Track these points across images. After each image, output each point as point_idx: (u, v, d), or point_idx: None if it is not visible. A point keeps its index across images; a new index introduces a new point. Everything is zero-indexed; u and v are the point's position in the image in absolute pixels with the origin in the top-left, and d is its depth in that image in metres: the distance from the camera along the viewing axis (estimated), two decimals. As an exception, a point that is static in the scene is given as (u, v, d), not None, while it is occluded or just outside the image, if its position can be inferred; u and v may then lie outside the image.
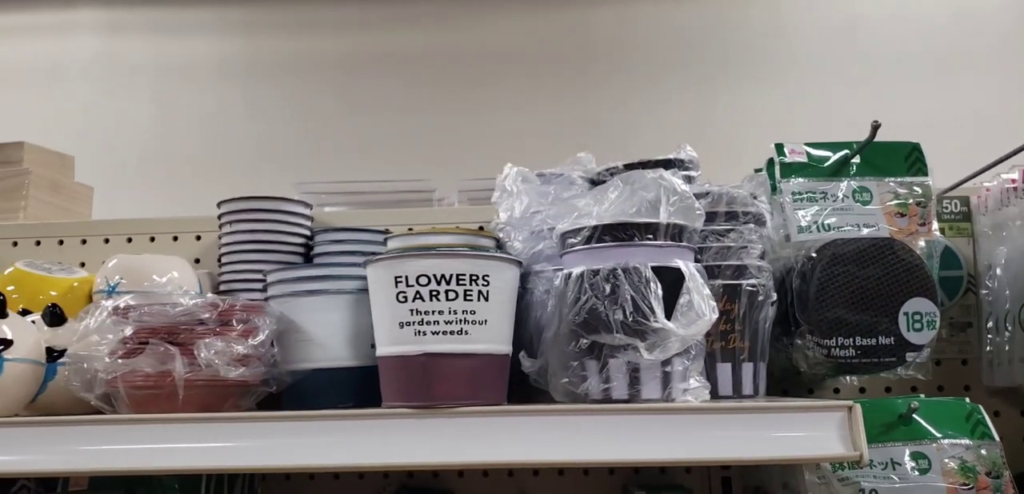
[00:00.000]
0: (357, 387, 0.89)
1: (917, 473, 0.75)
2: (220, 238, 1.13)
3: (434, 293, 0.66)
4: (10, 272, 0.99)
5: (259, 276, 1.10)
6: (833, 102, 2.35)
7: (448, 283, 0.66)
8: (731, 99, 2.41)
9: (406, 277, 0.67)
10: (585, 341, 0.68)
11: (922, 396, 0.84)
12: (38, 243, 1.24)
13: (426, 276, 0.67)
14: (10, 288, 0.97)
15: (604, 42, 2.48)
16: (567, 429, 0.63)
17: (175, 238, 1.24)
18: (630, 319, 0.65)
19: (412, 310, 0.67)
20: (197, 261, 1.23)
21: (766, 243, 0.85)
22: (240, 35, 2.55)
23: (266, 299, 0.92)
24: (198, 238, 1.24)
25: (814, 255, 0.84)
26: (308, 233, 1.15)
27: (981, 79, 2.34)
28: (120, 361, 0.73)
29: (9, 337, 0.74)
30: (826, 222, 0.86)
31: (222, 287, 1.10)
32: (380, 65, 2.49)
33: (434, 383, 0.66)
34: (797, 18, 2.48)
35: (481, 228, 1.23)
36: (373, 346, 0.90)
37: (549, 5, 2.51)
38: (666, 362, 0.67)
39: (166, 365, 0.73)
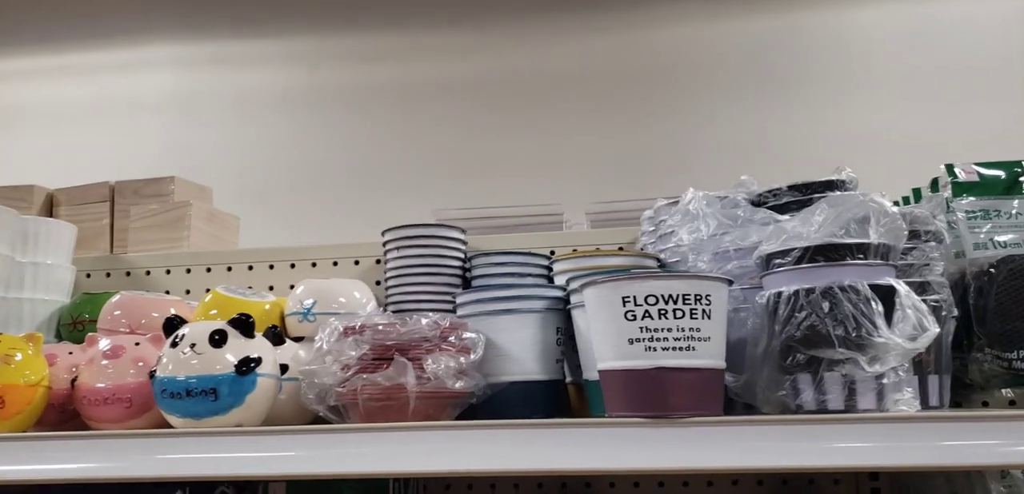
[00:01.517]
0: (545, 399, 0.95)
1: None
2: (385, 262, 1.21)
3: (662, 312, 0.72)
4: (210, 298, 1.08)
5: (424, 296, 1.17)
6: (899, 113, 2.35)
7: (675, 302, 0.72)
8: (793, 114, 2.42)
9: (634, 297, 0.73)
10: (801, 356, 0.73)
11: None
12: (209, 270, 1.34)
13: (654, 296, 0.72)
14: (213, 312, 1.06)
15: (664, 62, 2.52)
16: (795, 437, 0.68)
17: (335, 263, 1.32)
18: (852, 334, 0.70)
19: (642, 327, 0.72)
20: (355, 284, 1.31)
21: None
22: (303, 66, 2.66)
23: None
24: (356, 262, 1.32)
25: (992, 269, 0.87)
26: (463, 256, 1.22)
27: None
28: (363, 375, 0.80)
29: (259, 356, 0.81)
30: (1000, 239, 0.90)
31: (390, 307, 1.17)
32: (441, 92, 2.58)
33: (667, 395, 0.71)
34: (859, 31, 2.48)
35: (620, 249, 1.29)
36: (558, 361, 0.97)
37: (604, 28, 2.56)
38: (880, 375, 0.71)
39: (402, 378, 0.79)
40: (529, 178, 2.45)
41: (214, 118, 2.65)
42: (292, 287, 1.31)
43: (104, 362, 0.89)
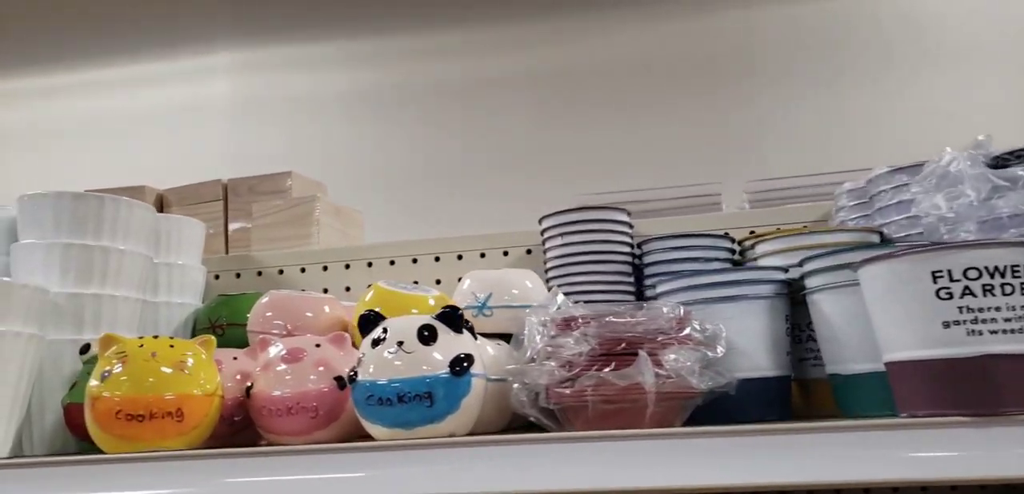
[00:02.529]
0: (777, 397, 0.83)
1: None
2: (545, 250, 1.10)
3: (987, 287, 0.59)
4: (372, 294, 0.98)
5: (593, 285, 1.06)
6: (977, 90, 2.18)
7: (1002, 275, 0.59)
8: (869, 94, 2.27)
9: (950, 271, 0.60)
10: None
11: None
12: (347, 266, 1.24)
13: (977, 269, 0.59)
14: (377, 309, 0.95)
15: (731, 46, 2.38)
16: None
17: (482, 255, 1.22)
18: None
19: (961, 308, 0.59)
20: (504, 276, 1.20)
21: None
22: (369, 66, 2.57)
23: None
24: (505, 253, 1.22)
25: None
26: (630, 241, 1.11)
27: None
28: (591, 374, 0.69)
29: (469, 353, 0.70)
30: None
31: (554, 300, 1.06)
32: (508, 86, 2.46)
33: (999, 389, 0.58)
34: (933, 6, 2.31)
35: (805, 227, 1.16)
36: (788, 353, 0.85)
37: (672, 15, 2.43)
38: None
39: (640, 376, 0.68)
40: (601, 169, 2.33)
41: (281, 120, 2.58)
42: (438, 281, 1.22)
43: (282, 367, 0.79)
